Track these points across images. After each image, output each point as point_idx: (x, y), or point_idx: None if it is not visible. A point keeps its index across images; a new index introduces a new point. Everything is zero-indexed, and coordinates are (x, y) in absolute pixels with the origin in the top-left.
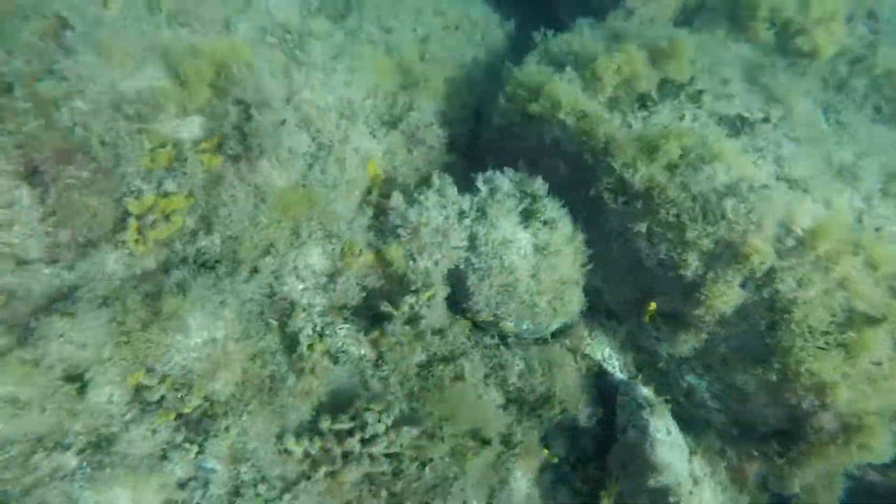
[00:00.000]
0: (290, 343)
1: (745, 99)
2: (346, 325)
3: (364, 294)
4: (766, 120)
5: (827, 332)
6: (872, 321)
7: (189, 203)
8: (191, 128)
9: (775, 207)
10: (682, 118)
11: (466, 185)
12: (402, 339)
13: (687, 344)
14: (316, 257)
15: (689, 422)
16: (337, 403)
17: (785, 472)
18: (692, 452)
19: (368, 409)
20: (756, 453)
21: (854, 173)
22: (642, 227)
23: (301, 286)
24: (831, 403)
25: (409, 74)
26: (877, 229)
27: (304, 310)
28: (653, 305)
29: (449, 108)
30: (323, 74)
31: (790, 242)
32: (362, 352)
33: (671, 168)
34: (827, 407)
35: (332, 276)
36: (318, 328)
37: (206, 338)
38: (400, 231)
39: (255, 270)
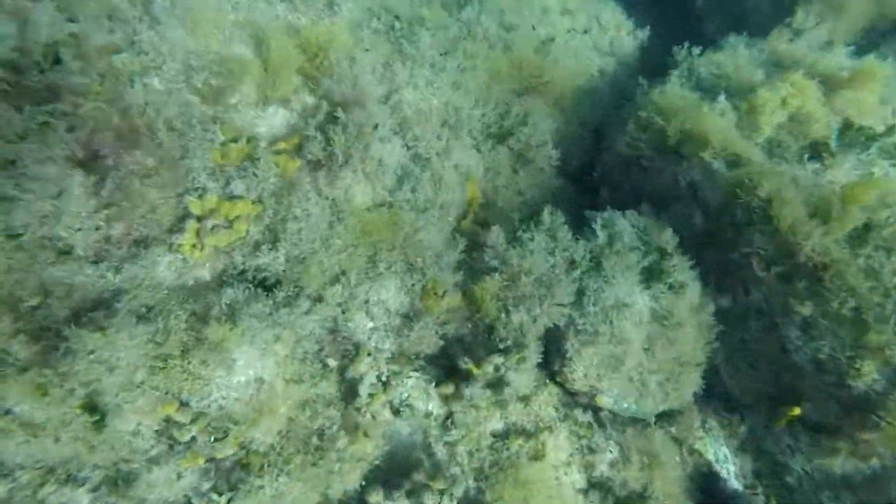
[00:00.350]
0: (348, 392)
1: None
2: (416, 374)
3: (442, 343)
4: None
5: None
6: None
7: (256, 210)
8: (271, 121)
9: None
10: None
11: (573, 219)
12: (480, 402)
13: (837, 464)
14: (392, 292)
15: None
16: (393, 467)
17: None
18: None
19: (427, 487)
20: None
21: None
22: (802, 312)
23: (370, 325)
24: None
25: (527, 81)
26: None
27: (369, 354)
28: (795, 411)
29: (566, 125)
30: (430, 72)
31: None
32: (430, 407)
33: (855, 243)
34: None
35: (408, 318)
36: (383, 378)
37: (252, 377)
38: (496, 276)
39: (318, 300)
